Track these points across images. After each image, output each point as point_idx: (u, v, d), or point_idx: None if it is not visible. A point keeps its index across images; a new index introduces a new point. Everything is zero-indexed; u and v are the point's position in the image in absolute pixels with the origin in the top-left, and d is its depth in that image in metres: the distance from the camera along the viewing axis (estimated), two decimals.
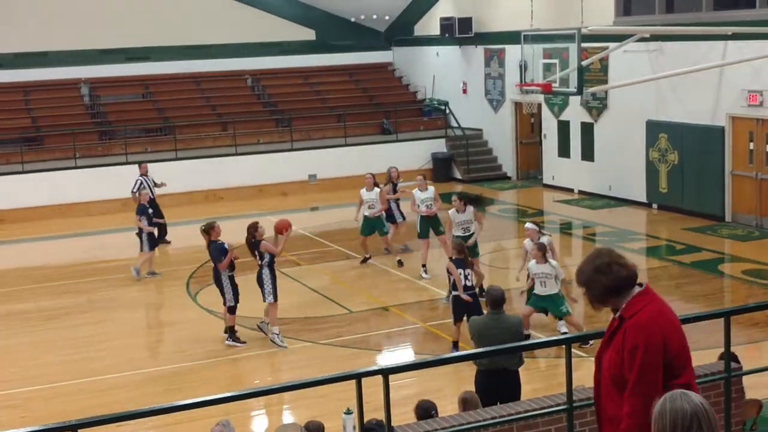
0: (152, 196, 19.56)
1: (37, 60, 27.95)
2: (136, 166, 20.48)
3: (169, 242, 20.11)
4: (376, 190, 17.30)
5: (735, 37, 18.75)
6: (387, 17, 31.23)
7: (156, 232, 17.72)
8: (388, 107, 29.13)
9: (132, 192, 19.55)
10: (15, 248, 20.90)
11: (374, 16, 31.05)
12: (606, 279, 4.67)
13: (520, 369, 8.97)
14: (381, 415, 5.71)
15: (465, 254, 12.38)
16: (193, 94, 29.32)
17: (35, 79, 27.85)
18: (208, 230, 13.23)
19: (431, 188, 16.65)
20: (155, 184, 19.76)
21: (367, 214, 17.28)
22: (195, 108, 28.66)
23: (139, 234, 17.33)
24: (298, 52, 30.79)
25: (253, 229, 12.99)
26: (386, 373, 5.57)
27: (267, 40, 30.40)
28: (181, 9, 29.20)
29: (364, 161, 25.70)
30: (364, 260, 17.43)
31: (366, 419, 6.37)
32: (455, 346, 12.26)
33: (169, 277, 17.28)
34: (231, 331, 13.24)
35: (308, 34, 31.26)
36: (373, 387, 5.73)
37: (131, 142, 25.87)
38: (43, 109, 27.38)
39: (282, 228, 13.11)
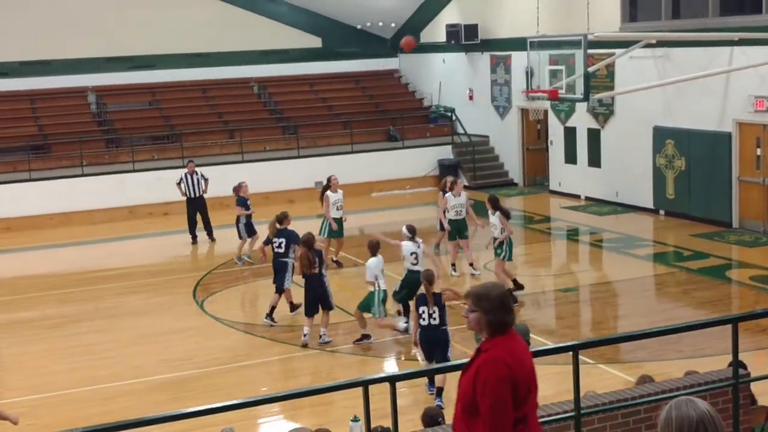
0: (194, 195, 19.90)
1: (44, 68, 28.03)
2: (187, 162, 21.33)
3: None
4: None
5: (741, 42, 18.72)
6: (393, 24, 31.25)
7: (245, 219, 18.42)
8: (394, 114, 29.14)
9: (176, 183, 20.54)
10: (22, 256, 20.92)
11: (380, 24, 31.08)
12: (501, 315, 4.89)
13: None
14: (388, 423, 5.69)
15: (431, 288, 11.00)
16: (200, 101, 29.37)
17: (42, 88, 27.92)
18: (282, 219, 14.53)
19: (464, 194, 17.06)
20: (201, 183, 20.51)
21: (336, 216, 17.79)
22: (201, 116, 28.70)
23: (237, 223, 18.39)
24: (304, 60, 30.83)
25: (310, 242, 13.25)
26: (393, 380, 5.56)
27: (273, 47, 30.44)
28: (186, 17, 29.25)
29: (371, 168, 25.76)
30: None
31: (373, 426, 6.34)
32: (438, 393, 10.42)
33: (175, 285, 17.28)
34: (272, 310, 14.33)
35: (314, 42, 31.29)
36: (380, 394, 5.72)
37: (138, 149, 25.91)
38: (50, 117, 27.45)
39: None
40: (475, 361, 4.86)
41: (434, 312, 10.83)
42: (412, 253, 13.52)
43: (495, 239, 15.11)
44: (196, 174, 20.52)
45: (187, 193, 20.37)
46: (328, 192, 17.74)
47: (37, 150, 26.04)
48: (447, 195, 16.83)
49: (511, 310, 4.95)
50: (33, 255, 20.97)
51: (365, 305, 13.09)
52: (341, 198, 17.86)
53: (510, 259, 15.38)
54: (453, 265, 17.04)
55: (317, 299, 13.30)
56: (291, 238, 14.51)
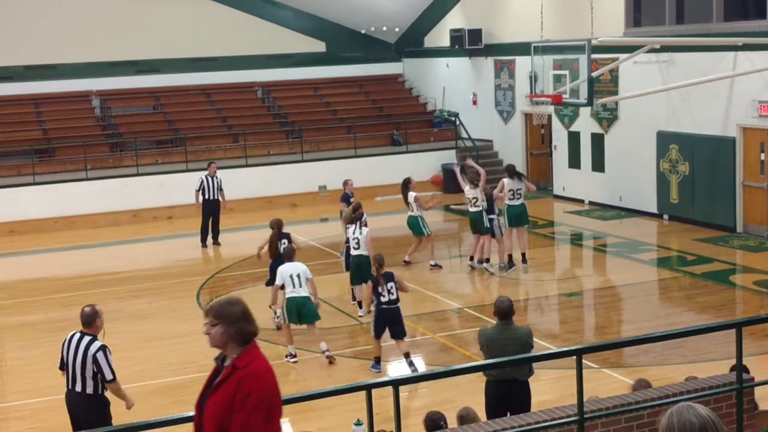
0: (212, 197, 19.95)
1: (48, 72, 28.07)
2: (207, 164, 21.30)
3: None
4: (413, 193, 17.99)
5: (745, 47, 18.70)
6: (397, 29, 31.27)
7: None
8: (398, 119, 29.14)
9: (195, 191, 20.43)
10: (25, 260, 20.93)
11: (384, 28, 31.10)
12: (246, 325, 4.87)
13: (530, 380, 8.92)
14: (391, 427, 5.68)
15: (381, 270, 11.96)
16: (204, 105, 29.39)
17: (46, 92, 27.97)
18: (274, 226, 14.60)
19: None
20: (220, 188, 20.49)
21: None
22: (205, 120, 28.72)
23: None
24: (308, 64, 30.86)
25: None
26: (396, 384, 5.55)
27: (277, 52, 30.46)
28: (190, 21, 29.28)
29: (374, 172, 25.74)
30: None
31: (376, 430, 6.33)
32: (377, 362, 12.15)
33: (179, 288, 17.28)
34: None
35: (318, 46, 31.32)
36: (383, 398, 5.71)
37: (142, 153, 25.93)
38: (54, 121, 27.48)
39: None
40: (231, 377, 4.76)
41: (391, 288, 11.90)
42: (354, 239, 14.60)
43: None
44: (217, 177, 20.51)
45: (206, 195, 20.35)
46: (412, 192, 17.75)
47: (42, 154, 26.06)
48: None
49: (253, 321, 4.88)
50: (37, 258, 20.98)
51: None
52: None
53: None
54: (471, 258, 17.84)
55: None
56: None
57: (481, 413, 8.21)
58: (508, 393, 8.59)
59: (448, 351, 13.14)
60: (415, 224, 17.81)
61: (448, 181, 26.39)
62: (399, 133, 28.56)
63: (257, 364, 4.79)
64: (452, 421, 7.74)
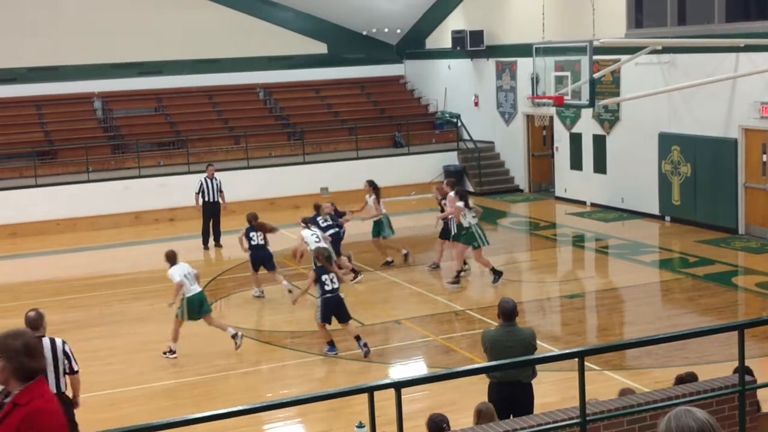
0: (212, 199, 19.95)
1: (50, 74, 28.08)
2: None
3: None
4: (373, 196, 18.16)
5: (747, 48, 18.70)
6: (399, 30, 31.28)
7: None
8: (399, 120, 29.14)
9: (195, 193, 20.49)
10: (27, 262, 20.94)
11: (386, 30, 31.10)
12: (28, 360, 4.66)
13: (533, 381, 8.92)
14: (393, 429, 5.68)
15: (326, 261, 13.09)
16: (206, 107, 29.40)
17: (48, 93, 27.97)
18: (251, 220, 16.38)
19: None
20: (220, 190, 20.53)
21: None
22: (207, 121, 28.73)
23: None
24: (309, 66, 30.87)
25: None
26: (398, 386, 5.55)
27: (279, 53, 30.47)
28: (192, 23, 29.29)
29: (376, 174, 25.67)
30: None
31: None
32: (332, 345, 13.09)
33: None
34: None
35: (320, 48, 31.33)
36: (385, 400, 5.70)
37: (144, 155, 25.95)
38: (56, 123, 27.50)
39: None
40: (12, 414, 4.56)
41: (333, 278, 12.87)
42: (312, 234, 15.63)
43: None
44: (216, 179, 20.53)
45: (205, 197, 20.40)
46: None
47: (44, 156, 26.08)
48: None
49: (37, 356, 4.71)
50: (38, 261, 20.99)
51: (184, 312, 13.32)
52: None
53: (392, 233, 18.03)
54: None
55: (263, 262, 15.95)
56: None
57: None
58: (511, 395, 8.58)
59: (449, 353, 13.13)
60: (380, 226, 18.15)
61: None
62: (401, 134, 28.57)
63: (39, 402, 4.57)
64: (457, 423, 7.74)
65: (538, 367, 8.91)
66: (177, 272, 13.17)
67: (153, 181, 24.60)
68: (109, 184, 24.43)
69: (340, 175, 25.93)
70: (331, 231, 16.81)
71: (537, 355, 8.71)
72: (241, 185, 24.34)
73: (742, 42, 18.72)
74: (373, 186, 18.19)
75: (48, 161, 25.93)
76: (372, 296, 16.50)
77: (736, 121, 19.26)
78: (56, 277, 19.29)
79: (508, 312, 8.84)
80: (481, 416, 7.50)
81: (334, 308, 12.99)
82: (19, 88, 27.67)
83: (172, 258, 13.41)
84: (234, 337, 13.31)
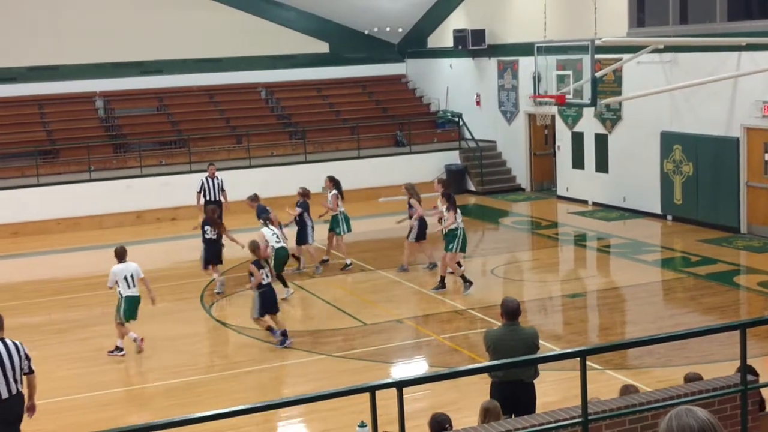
0: (213, 198, 19.97)
1: (52, 73, 28.09)
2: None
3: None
4: (333, 191, 18.12)
5: (749, 47, 18.68)
6: (400, 30, 31.27)
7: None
8: (401, 119, 29.14)
9: (196, 192, 20.48)
10: (29, 261, 20.95)
11: (387, 29, 31.10)
12: None
13: (535, 381, 8.91)
14: (395, 428, 5.68)
15: (258, 252, 13.77)
16: (207, 107, 29.41)
17: (50, 93, 27.97)
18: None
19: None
20: (222, 189, 20.51)
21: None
22: (209, 121, 28.73)
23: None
24: (311, 65, 30.87)
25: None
26: (400, 385, 5.55)
27: (280, 52, 30.48)
28: (194, 22, 29.30)
29: (378, 173, 25.76)
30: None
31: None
32: (284, 335, 13.49)
33: (183, 290, 17.29)
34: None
35: (322, 47, 31.33)
36: (387, 400, 5.70)
37: (146, 155, 25.96)
38: (58, 122, 27.51)
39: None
40: None
41: (268, 271, 13.50)
42: (272, 233, 15.88)
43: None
44: (217, 178, 20.54)
45: (207, 196, 20.41)
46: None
47: (45, 155, 26.10)
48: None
49: None
50: (40, 260, 21.00)
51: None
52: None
53: (349, 230, 18.10)
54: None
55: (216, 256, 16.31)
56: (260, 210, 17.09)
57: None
58: (513, 394, 8.57)
59: (452, 353, 13.13)
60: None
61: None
62: (402, 133, 28.56)
63: None
64: (459, 422, 7.74)
65: (540, 366, 8.90)
66: (118, 272, 13.35)
67: (155, 180, 24.61)
68: (110, 183, 24.45)
69: (342, 174, 25.72)
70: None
71: (539, 354, 8.70)
72: (243, 184, 24.26)
73: (743, 41, 18.70)
74: (333, 181, 18.22)
75: (50, 160, 25.94)
76: (374, 295, 16.49)
77: (737, 120, 19.24)
78: (57, 277, 19.30)
79: (512, 311, 8.83)
80: (487, 414, 7.49)
81: (271, 301, 13.48)
82: (20, 88, 27.68)
83: (120, 255, 13.48)
84: (134, 340, 13.55)
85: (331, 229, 18.25)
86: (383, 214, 22.91)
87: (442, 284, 16.15)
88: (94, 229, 23.53)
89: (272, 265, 14.91)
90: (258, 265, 13.50)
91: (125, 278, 13.34)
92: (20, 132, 26.70)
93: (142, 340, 13.57)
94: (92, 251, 21.47)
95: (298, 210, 17.72)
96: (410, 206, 17.57)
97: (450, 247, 15.91)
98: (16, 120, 27.13)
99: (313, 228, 17.94)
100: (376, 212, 23.88)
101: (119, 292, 13.37)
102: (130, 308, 13.41)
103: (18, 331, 15.23)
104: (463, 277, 16.05)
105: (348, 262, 18.13)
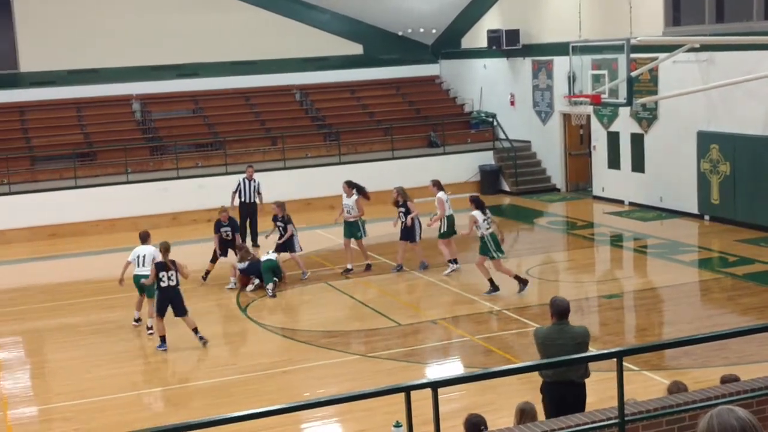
0: (249, 200, 20.12)
1: (90, 77, 28.39)
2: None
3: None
4: (354, 197, 17.96)
5: None
6: (434, 30, 31.26)
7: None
8: (435, 120, 29.11)
9: (232, 192, 20.74)
10: (67, 262, 21.17)
11: (421, 30, 31.09)
12: None
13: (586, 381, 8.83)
14: (430, 429, 5.68)
15: (167, 255, 13.86)
16: (243, 109, 29.57)
17: (88, 96, 28.28)
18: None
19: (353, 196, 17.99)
20: (258, 192, 20.68)
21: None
22: (244, 123, 28.89)
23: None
24: (345, 67, 30.95)
25: None
26: (435, 386, 5.55)
27: (315, 54, 30.58)
28: (230, 25, 29.48)
29: (411, 174, 25.71)
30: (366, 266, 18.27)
31: None
32: (163, 341, 13.79)
33: (219, 290, 17.40)
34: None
35: (356, 49, 31.39)
36: (421, 400, 5.71)
37: (182, 157, 26.15)
38: (96, 125, 27.79)
39: None
40: None
41: (172, 275, 13.56)
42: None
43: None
44: (254, 180, 20.69)
45: (242, 197, 20.57)
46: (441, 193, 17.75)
47: (83, 157, 26.37)
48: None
49: None
50: (78, 261, 21.22)
51: None
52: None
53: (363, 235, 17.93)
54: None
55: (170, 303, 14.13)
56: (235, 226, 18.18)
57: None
58: (564, 395, 8.49)
59: (487, 353, 13.11)
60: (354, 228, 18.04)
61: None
62: (436, 134, 28.55)
63: None
64: (495, 423, 7.73)
65: (590, 365, 8.81)
66: (136, 251, 15.03)
67: (191, 182, 24.78)
68: (147, 185, 24.66)
69: (376, 175, 25.92)
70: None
71: (577, 355, 8.65)
72: (278, 186, 24.44)
73: None
74: (352, 186, 18.01)
75: (87, 163, 26.22)
76: (409, 296, 16.51)
77: None
78: (95, 277, 19.48)
79: (563, 310, 8.78)
80: (523, 415, 7.47)
81: (168, 301, 13.74)
82: (59, 91, 28.02)
83: (142, 238, 15.36)
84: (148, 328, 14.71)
85: (352, 235, 18.02)
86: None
87: (494, 287, 15.96)
88: (131, 230, 23.65)
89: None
90: (162, 266, 13.69)
91: (137, 257, 14.92)
92: (58, 135, 27.00)
93: (138, 320, 14.99)
94: (129, 252, 21.59)
95: (281, 225, 17.71)
96: (406, 208, 17.67)
97: (490, 255, 15.73)
98: (54, 123, 27.46)
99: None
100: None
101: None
102: (136, 284, 14.86)
103: (57, 332, 15.49)
104: (491, 282, 15.94)
105: (349, 266, 18.02)
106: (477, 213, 15.74)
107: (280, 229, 17.78)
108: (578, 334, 8.79)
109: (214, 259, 17.99)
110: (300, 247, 17.94)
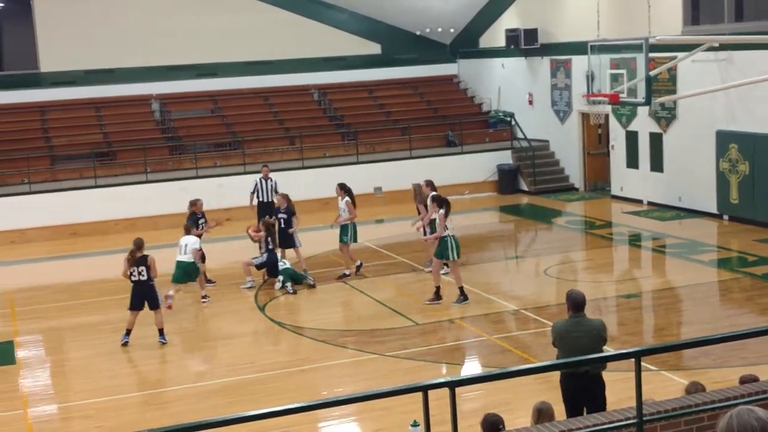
0: (266, 200, 20.40)
1: (109, 77, 28.54)
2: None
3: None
4: (346, 199, 17.75)
5: None
6: (452, 30, 31.24)
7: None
8: (453, 119, 29.10)
9: (250, 193, 20.85)
10: (87, 261, 21.30)
11: (439, 29, 31.09)
12: None
13: (603, 374, 8.84)
14: (447, 429, 5.70)
15: (138, 252, 14.22)
16: (261, 108, 29.65)
17: (107, 96, 28.44)
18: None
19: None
20: (275, 191, 20.47)
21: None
22: (263, 122, 28.97)
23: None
24: (363, 66, 30.98)
25: None
26: (453, 385, 5.56)
27: (333, 54, 30.62)
28: (248, 25, 29.57)
29: (429, 173, 25.61)
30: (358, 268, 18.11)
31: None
32: (127, 333, 14.22)
33: (237, 289, 17.45)
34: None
35: (374, 48, 31.41)
36: (439, 400, 5.72)
37: (201, 156, 26.25)
38: (115, 124, 27.94)
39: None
40: None
41: (143, 271, 13.97)
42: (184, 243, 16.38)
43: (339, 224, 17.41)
44: (271, 180, 20.75)
45: (260, 197, 20.63)
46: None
47: (102, 157, 26.52)
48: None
49: None
50: (98, 260, 21.33)
51: None
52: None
53: (355, 241, 17.69)
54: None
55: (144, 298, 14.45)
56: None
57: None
58: (583, 385, 8.56)
59: (504, 353, 13.10)
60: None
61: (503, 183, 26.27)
62: (454, 134, 28.53)
63: None
64: (512, 423, 7.73)
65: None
66: (179, 242, 16.10)
67: (210, 181, 24.87)
68: (166, 184, 24.77)
69: (394, 174, 25.95)
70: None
71: (596, 354, 8.65)
72: (296, 185, 24.48)
73: None
74: (344, 189, 17.81)
75: (107, 162, 26.36)
76: (426, 295, 16.51)
77: None
78: (115, 276, 19.53)
79: (579, 303, 8.80)
80: (540, 415, 7.48)
81: (141, 295, 14.09)
82: (78, 91, 28.19)
83: (186, 229, 16.47)
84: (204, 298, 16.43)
85: (340, 239, 17.72)
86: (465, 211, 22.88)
87: (437, 296, 15.69)
88: (150, 229, 23.80)
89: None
90: (137, 261, 14.17)
91: (179, 246, 15.94)
92: (78, 134, 27.16)
93: (168, 297, 15.36)
94: (149, 251, 21.68)
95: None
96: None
97: (446, 255, 15.41)
98: (74, 123, 27.62)
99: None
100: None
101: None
102: (177, 271, 15.76)
103: (77, 330, 15.59)
104: (461, 290, 15.58)
105: (347, 272, 17.84)
106: (443, 212, 15.25)
107: (282, 221, 17.75)
108: (594, 326, 8.82)
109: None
110: (299, 242, 18.01)
